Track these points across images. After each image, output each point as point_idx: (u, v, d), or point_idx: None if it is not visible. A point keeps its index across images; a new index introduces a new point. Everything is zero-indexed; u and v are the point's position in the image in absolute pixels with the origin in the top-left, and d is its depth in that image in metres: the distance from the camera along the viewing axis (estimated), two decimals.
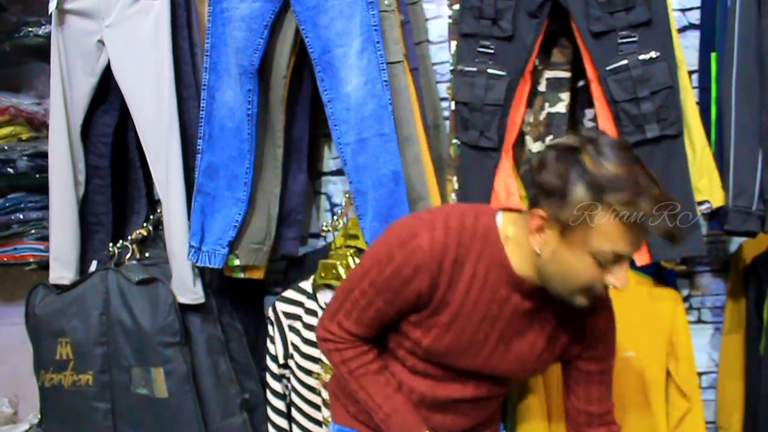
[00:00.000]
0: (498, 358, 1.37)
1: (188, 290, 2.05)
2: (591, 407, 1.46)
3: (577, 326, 1.39)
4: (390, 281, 1.29)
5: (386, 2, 1.90)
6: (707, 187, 1.79)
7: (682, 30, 2.02)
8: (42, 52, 2.34)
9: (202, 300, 2.07)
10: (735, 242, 2.09)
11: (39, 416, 2.56)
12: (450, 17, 1.98)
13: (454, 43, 1.93)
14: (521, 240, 1.27)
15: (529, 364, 1.40)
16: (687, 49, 1.93)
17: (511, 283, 1.30)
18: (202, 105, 2.01)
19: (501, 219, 1.32)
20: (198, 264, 2.01)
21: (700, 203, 1.79)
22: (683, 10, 2.06)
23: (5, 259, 2.42)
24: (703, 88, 1.90)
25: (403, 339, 1.39)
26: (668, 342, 1.95)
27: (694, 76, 1.95)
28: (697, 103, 1.89)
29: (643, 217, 1.12)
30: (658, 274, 1.97)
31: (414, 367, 1.41)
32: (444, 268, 1.27)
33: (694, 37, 1.99)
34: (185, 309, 2.09)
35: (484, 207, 1.45)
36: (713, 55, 1.85)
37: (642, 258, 1.80)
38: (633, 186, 1.12)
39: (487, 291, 1.30)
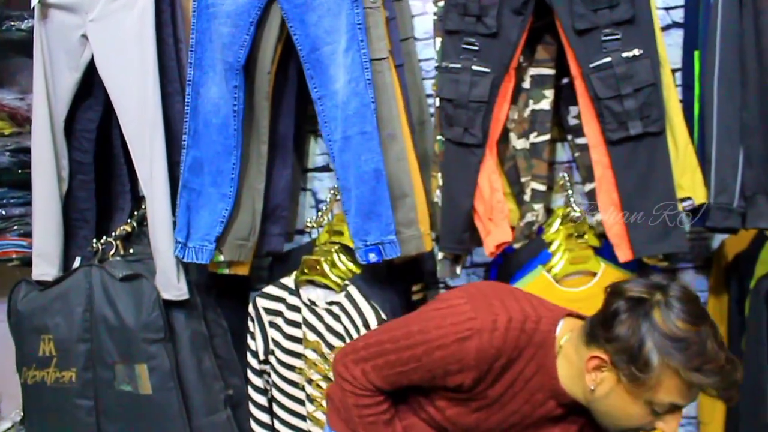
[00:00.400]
0: None
1: (172, 286, 2.04)
2: None
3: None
4: (434, 366, 1.28)
5: None
6: (689, 184, 1.80)
7: (665, 28, 2.03)
8: (25, 47, 2.31)
9: (186, 296, 2.06)
10: (717, 239, 2.11)
11: (21, 414, 2.55)
12: (435, 14, 1.98)
13: (439, 40, 1.93)
14: (572, 357, 1.27)
15: None
16: (670, 47, 1.94)
17: (553, 393, 1.31)
18: (186, 101, 1.99)
19: (561, 326, 1.31)
20: (185, 260, 2.00)
21: (683, 200, 1.80)
22: (667, 9, 2.07)
23: None
24: (687, 86, 1.92)
25: (428, 402, 1.39)
26: None
27: (678, 74, 1.96)
28: (681, 101, 1.91)
29: (707, 384, 1.14)
30: (641, 270, 1.98)
31: (429, 421, 1.41)
32: (492, 369, 1.27)
33: (678, 35, 2.00)
34: (169, 305, 2.07)
35: (550, 309, 1.36)
36: (696, 54, 1.86)
37: (625, 254, 1.82)
38: (701, 352, 1.13)
39: (526, 391, 1.31)
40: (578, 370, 1.26)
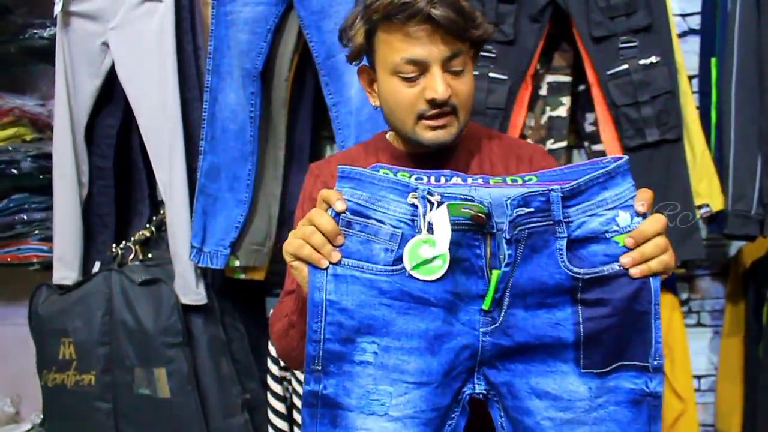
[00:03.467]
0: None
1: (191, 291, 2.06)
2: None
3: None
4: (307, 208, 1.16)
5: None
6: (707, 190, 1.81)
7: (682, 35, 2.04)
8: (46, 54, 2.35)
9: (204, 301, 2.08)
10: (734, 246, 2.11)
11: (41, 416, 2.57)
12: None
13: None
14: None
15: None
16: (687, 54, 1.95)
17: (404, 160, 1.25)
18: (204, 107, 2.02)
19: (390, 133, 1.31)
20: (200, 264, 2.02)
21: (700, 207, 1.81)
22: (684, 16, 2.07)
23: (9, 259, 2.41)
24: (704, 93, 1.92)
25: None
26: (664, 344, 1.96)
27: (695, 81, 1.96)
28: (698, 108, 1.91)
29: (399, 10, 1.10)
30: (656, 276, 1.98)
31: None
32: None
33: (695, 42, 2.01)
34: (187, 310, 2.09)
35: None
36: (713, 60, 1.88)
37: None
38: None
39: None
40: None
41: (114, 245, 2.28)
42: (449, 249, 0.92)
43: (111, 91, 2.23)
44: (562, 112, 1.99)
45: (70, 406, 2.19)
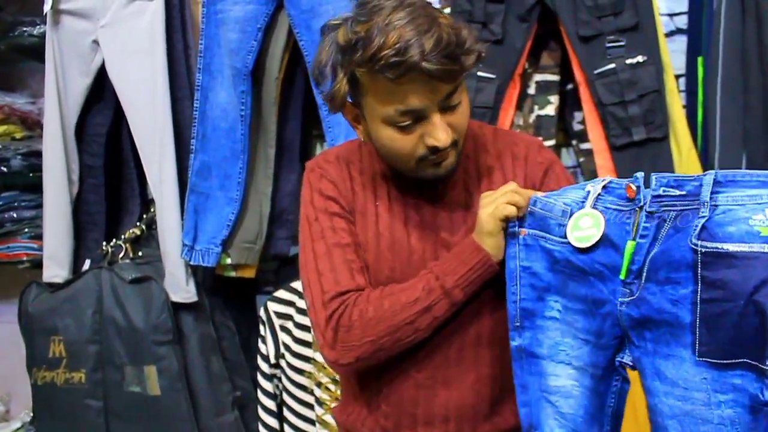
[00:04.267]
0: (432, 257, 1.20)
1: (181, 289, 2.07)
2: None
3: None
4: (324, 210, 1.20)
5: None
6: None
7: (669, 34, 2.05)
8: (37, 52, 2.35)
9: (194, 299, 2.09)
10: None
11: (31, 414, 2.58)
12: None
13: None
14: None
15: None
16: (674, 54, 1.96)
17: (404, 178, 1.21)
18: (195, 105, 2.03)
19: None
20: (191, 262, 2.04)
21: None
22: (671, 15, 2.08)
23: None
24: (690, 92, 1.93)
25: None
26: None
27: (681, 80, 1.98)
28: (684, 107, 1.93)
29: (389, 66, 1.00)
30: None
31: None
32: (350, 176, 1.23)
33: (682, 41, 2.01)
34: (178, 308, 2.10)
35: None
36: (700, 60, 1.89)
37: None
38: (367, 41, 1.02)
39: (395, 199, 1.21)
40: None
41: (104, 243, 2.28)
42: (605, 225, 1.03)
43: (101, 89, 2.24)
44: (551, 110, 2.01)
45: (60, 404, 2.20)
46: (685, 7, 2.00)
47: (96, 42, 2.14)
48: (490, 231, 1.10)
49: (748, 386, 0.89)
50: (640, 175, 1.02)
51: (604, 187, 1.05)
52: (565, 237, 1.06)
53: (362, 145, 1.26)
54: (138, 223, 2.33)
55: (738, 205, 0.91)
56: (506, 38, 1.87)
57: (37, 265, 2.35)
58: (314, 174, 1.23)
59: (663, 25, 1.92)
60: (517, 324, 1.12)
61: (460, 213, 1.21)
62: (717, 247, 0.90)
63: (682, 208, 0.95)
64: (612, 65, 1.79)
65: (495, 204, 1.10)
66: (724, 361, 0.90)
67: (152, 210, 2.35)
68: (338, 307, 1.13)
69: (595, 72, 1.81)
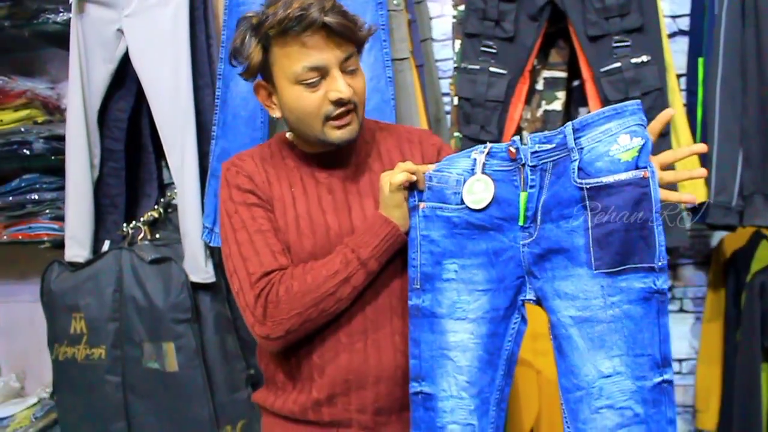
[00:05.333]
0: (348, 230, 1.32)
1: (200, 270, 2.14)
2: None
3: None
4: (243, 202, 1.32)
5: (395, 1, 2.00)
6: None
7: (672, 35, 2.13)
8: (59, 39, 2.41)
9: (212, 279, 2.16)
10: (717, 237, 2.21)
11: (47, 391, 2.65)
12: (454, 17, 2.08)
13: (458, 42, 2.04)
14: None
15: None
16: (676, 54, 2.04)
17: (312, 160, 1.36)
18: (217, 93, 2.09)
19: (289, 134, 1.41)
20: (211, 244, 2.10)
21: None
22: (674, 17, 2.16)
23: (20, 237, 2.48)
24: (691, 91, 2.01)
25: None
26: None
27: (683, 79, 2.06)
28: (685, 105, 2.00)
29: (294, 23, 1.20)
30: None
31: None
32: (261, 167, 1.35)
33: (684, 42, 2.10)
34: (195, 288, 2.17)
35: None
36: (700, 60, 1.96)
37: None
38: (282, 5, 1.22)
39: (308, 178, 1.36)
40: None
41: (124, 225, 2.35)
42: (496, 186, 1.22)
43: (124, 76, 2.29)
44: (557, 105, 2.09)
45: (80, 378, 2.27)
46: (687, 10, 2.08)
47: (120, 30, 2.20)
48: (395, 204, 1.27)
49: (639, 283, 1.12)
50: (516, 138, 1.24)
51: (488, 154, 1.24)
52: (463, 203, 1.25)
53: (270, 144, 1.42)
54: (156, 206, 2.40)
55: (596, 142, 1.14)
56: (517, 36, 1.94)
57: (57, 245, 2.40)
58: (230, 172, 1.36)
59: (666, 26, 2.00)
60: (417, 286, 1.28)
61: (367, 190, 1.36)
62: (597, 182, 1.13)
63: (556, 157, 1.18)
64: (618, 64, 1.86)
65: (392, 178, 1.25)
66: (616, 269, 1.13)
67: (169, 194, 2.43)
68: (265, 286, 1.25)
69: (602, 70, 1.88)
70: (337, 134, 1.29)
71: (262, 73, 1.31)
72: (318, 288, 1.24)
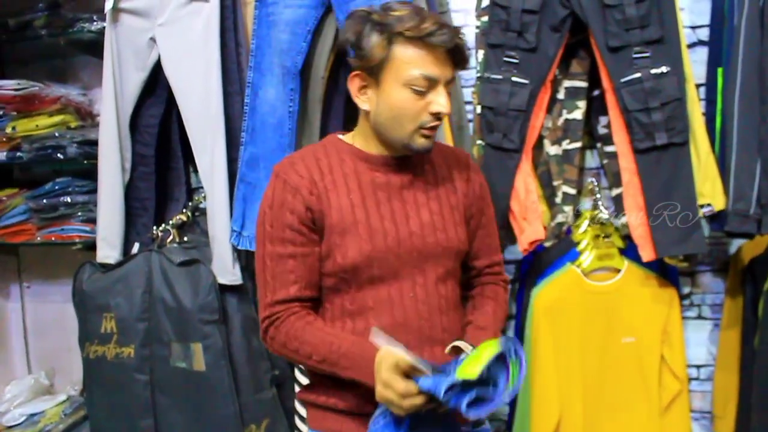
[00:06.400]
0: (416, 238, 1.40)
1: (228, 272, 2.19)
2: (477, 261, 1.55)
3: (456, 188, 1.50)
4: (279, 219, 1.36)
5: None
6: (710, 191, 1.92)
7: (691, 46, 2.14)
8: (92, 47, 2.49)
9: (240, 281, 2.21)
10: (735, 244, 2.22)
11: (76, 388, 2.72)
12: (477, 28, 2.12)
13: (481, 52, 2.07)
14: (361, 129, 1.44)
15: (444, 231, 1.44)
16: (695, 64, 2.05)
17: (378, 165, 1.41)
18: (246, 101, 2.15)
19: (342, 136, 1.48)
20: (239, 247, 2.16)
21: (703, 206, 1.92)
22: (693, 28, 2.18)
23: (53, 238, 2.56)
24: (710, 101, 2.03)
25: (330, 291, 1.42)
26: (663, 331, 2.10)
27: (702, 89, 2.07)
28: (704, 114, 2.02)
29: (428, 33, 1.28)
30: (662, 270, 2.12)
31: (344, 307, 1.41)
32: (315, 176, 1.38)
33: (703, 52, 2.11)
34: (223, 289, 2.22)
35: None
36: (719, 70, 1.97)
37: (648, 254, 1.95)
38: (416, 15, 1.30)
39: (365, 183, 1.40)
40: (365, 126, 1.42)
41: (154, 228, 2.41)
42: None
43: (155, 83, 2.36)
44: (578, 115, 2.12)
45: (110, 376, 2.33)
46: (707, 21, 2.09)
47: (153, 39, 2.26)
48: (382, 383, 1.25)
49: None
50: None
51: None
52: None
53: (325, 146, 1.45)
54: (184, 210, 2.47)
55: None
56: (539, 46, 1.98)
57: (88, 247, 2.48)
58: (278, 180, 1.40)
59: (686, 37, 2.01)
60: None
61: (423, 199, 1.44)
62: None
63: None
64: (638, 74, 1.89)
65: (392, 397, 1.23)
66: None
67: (197, 198, 2.49)
68: (270, 316, 1.38)
69: (622, 80, 1.91)
70: (422, 142, 1.37)
71: (369, 66, 1.35)
72: (297, 355, 1.37)
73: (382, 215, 1.39)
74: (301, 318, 1.37)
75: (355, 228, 1.37)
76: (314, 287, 1.41)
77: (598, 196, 2.17)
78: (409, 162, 1.44)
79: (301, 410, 2.28)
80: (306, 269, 1.38)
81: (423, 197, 1.44)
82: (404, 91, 1.32)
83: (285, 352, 1.39)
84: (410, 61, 1.30)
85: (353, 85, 1.38)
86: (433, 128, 1.36)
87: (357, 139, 1.45)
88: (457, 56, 1.33)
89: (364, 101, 1.38)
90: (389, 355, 1.24)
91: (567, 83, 2.11)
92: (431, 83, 1.32)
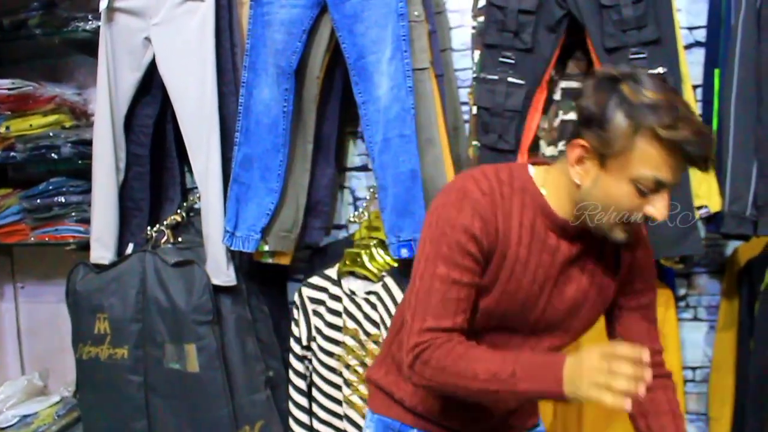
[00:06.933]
0: (552, 309, 1.33)
1: (222, 273, 2.19)
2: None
3: (619, 263, 1.37)
4: (461, 243, 1.24)
5: (415, 13, 2.04)
6: (706, 192, 1.91)
7: (688, 47, 2.14)
8: (88, 46, 2.48)
9: (234, 282, 2.21)
10: (731, 246, 2.21)
11: (70, 389, 2.71)
12: (474, 28, 2.11)
13: (477, 53, 2.07)
14: (558, 184, 1.27)
15: (581, 310, 1.36)
16: (692, 65, 2.04)
17: (557, 229, 1.28)
18: (240, 101, 2.14)
19: (533, 171, 1.31)
20: (232, 247, 2.15)
21: (699, 208, 1.91)
22: (690, 29, 2.17)
23: (47, 238, 2.54)
24: (706, 102, 2.02)
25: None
26: (659, 333, 2.08)
27: (699, 90, 2.07)
28: (700, 115, 2.02)
29: (684, 141, 1.11)
30: (658, 272, 2.09)
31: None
32: (496, 227, 1.25)
33: (700, 53, 2.10)
34: (217, 290, 2.22)
35: (514, 163, 1.41)
36: (716, 72, 1.97)
37: None
38: (673, 111, 1.12)
39: (536, 241, 1.28)
40: (567, 192, 1.26)
41: (148, 228, 2.41)
42: None
43: (150, 83, 2.36)
44: (574, 116, 2.10)
45: (103, 377, 2.33)
46: (704, 22, 2.09)
47: (148, 39, 2.26)
48: (579, 389, 1.11)
49: None
50: None
51: None
52: None
53: (512, 181, 1.29)
54: (178, 211, 2.47)
55: None
56: (536, 47, 1.97)
57: (82, 247, 2.47)
58: (467, 201, 1.25)
59: (682, 38, 2.01)
60: None
61: (578, 275, 1.32)
62: None
63: None
64: None
65: (606, 383, 1.08)
66: None
67: (191, 198, 2.49)
68: (425, 342, 1.24)
69: None
70: (620, 235, 1.23)
71: (602, 144, 1.17)
72: (460, 379, 1.22)
73: (535, 278, 1.29)
74: (462, 342, 1.26)
75: (507, 281, 1.28)
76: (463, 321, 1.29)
77: None
78: (586, 234, 1.29)
79: (296, 412, 2.28)
80: (472, 301, 1.28)
81: (578, 272, 1.33)
82: (628, 186, 1.17)
83: (440, 376, 1.24)
84: (648, 161, 1.14)
85: (573, 153, 1.21)
86: (637, 225, 1.23)
87: (550, 191, 1.29)
88: (699, 167, 1.17)
89: (577, 173, 1.22)
90: (591, 348, 1.14)
91: (563, 84, 2.11)
92: (659, 187, 1.16)
